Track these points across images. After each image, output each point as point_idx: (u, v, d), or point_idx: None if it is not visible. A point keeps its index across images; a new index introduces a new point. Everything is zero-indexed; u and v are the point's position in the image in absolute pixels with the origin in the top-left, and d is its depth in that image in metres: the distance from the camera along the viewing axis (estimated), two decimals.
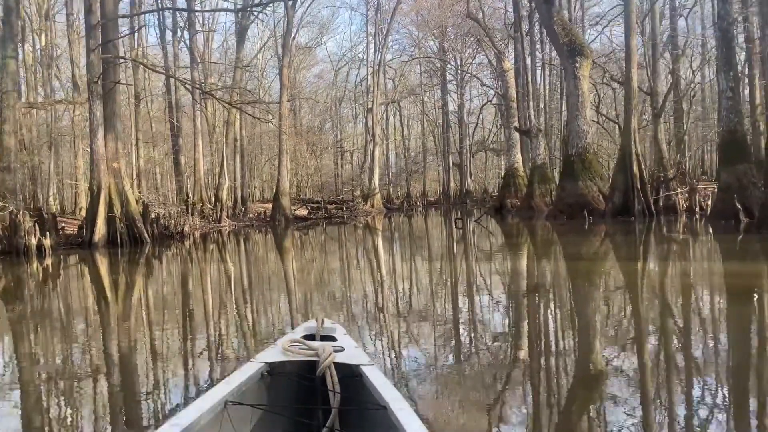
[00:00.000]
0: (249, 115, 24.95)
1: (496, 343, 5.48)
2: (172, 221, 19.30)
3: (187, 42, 32.82)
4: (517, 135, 31.22)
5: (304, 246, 19.22)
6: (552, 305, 7.51)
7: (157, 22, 37.48)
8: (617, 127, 31.31)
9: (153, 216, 18.28)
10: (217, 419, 2.50)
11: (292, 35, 34.18)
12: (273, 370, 2.95)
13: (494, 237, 19.03)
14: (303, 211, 35.84)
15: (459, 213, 31.54)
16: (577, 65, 20.74)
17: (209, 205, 30.78)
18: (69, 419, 3.99)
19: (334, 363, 2.88)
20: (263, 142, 51.02)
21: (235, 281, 11.12)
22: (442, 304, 7.91)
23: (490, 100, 55.15)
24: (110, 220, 16.69)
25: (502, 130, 55.97)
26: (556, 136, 35.92)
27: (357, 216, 36.23)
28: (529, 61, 27.17)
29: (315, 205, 37.31)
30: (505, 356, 5.10)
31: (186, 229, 19.76)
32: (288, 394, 3.03)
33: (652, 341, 5.40)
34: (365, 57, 49.92)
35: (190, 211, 27.94)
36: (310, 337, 3.42)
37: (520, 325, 6.35)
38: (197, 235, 24.21)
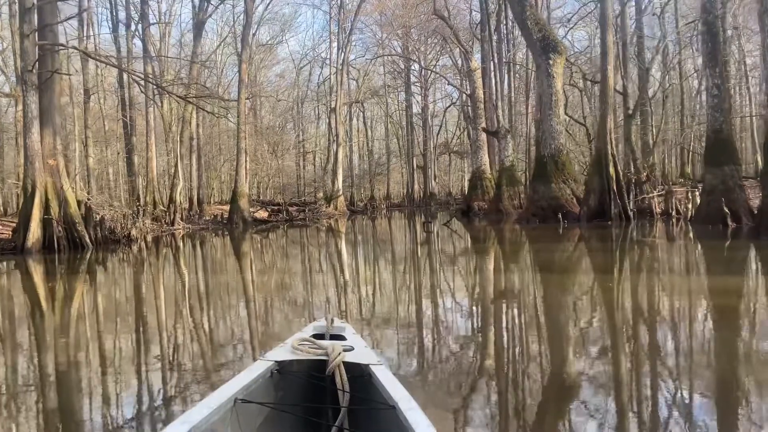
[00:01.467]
0: (204, 111, 23.60)
1: (462, 353, 5.25)
2: (119, 224, 17.77)
3: (140, 34, 31.07)
4: (484, 136, 30.44)
5: (262, 250, 17.97)
6: (523, 321, 6.64)
7: (110, 15, 35.87)
8: (584, 129, 30.86)
9: (96, 219, 16.73)
10: (225, 417, 2.48)
11: (252, 30, 32.80)
12: (282, 368, 2.93)
13: (464, 241, 18.03)
14: (263, 214, 34.51)
15: (426, 216, 30.57)
16: (551, 62, 19.87)
17: (162, 207, 29.15)
18: None
19: (344, 362, 2.87)
20: (222, 141, 49.45)
21: (181, 291, 9.87)
22: (412, 321, 6.89)
23: (454, 103, 54.82)
24: (46, 223, 15.16)
25: (466, 132, 55.83)
26: (521, 138, 35.37)
27: (320, 218, 35.21)
28: (496, 59, 26.36)
29: (276, 207, 36.01)
30: (473, 365, 4.89)
31: (134, 232, 18.23)
32: (297, 392, 3.01)
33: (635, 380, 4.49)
34: (328, 56, 48.95)
35: (141, 213, 26.40)
36: (320, 336, 3.39)
37: (492, 336, 5.96)
38: (149, 238, 22.80)
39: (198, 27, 33.08)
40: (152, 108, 30.77)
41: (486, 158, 30.66)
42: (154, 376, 4.91)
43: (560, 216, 18.95)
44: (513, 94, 34.14)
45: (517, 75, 35.01)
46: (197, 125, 39.28)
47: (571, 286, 8.89)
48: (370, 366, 2.86)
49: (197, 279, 11.54)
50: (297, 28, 77.85)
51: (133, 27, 33.37)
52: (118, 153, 40.19)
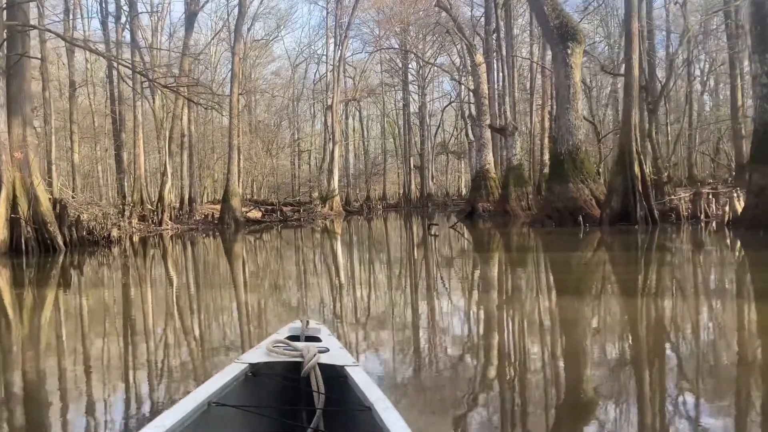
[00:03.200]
0: (192, 101, 22.12)
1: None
2: (98, 224, 16.32)
3: (129, 24, 29.65)
4: (488, 134, 29.06)
5: (253, 254, 16.57)
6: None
7: (99, 6, 34.45)
8: (593, 127, 29.53)
9: (72, 218, 15.27)
10: (200, 421, 2.44)
11: (246, 23, 31.43)
12: (257, 371, 2.89)
13: (476, 249, 15.92)
14: (256, 214, 33.14)
15: (431, 218, 29.08)
16: (569, 51, 18.37)
17: (150, 206, 27.70)
18: None
19: (319, 364, 2.85)
20: (215, 139, 47.97)
21: (152, 304, 8.48)
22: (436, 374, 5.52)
23: (453, 102, 53.63)
24: (14, 223, 13.71)
25: (464, 132, 54.71)
26: (524, 136, 34.10)
27: (315, 219, 33.92)
28: (504, 51, 24.96)
29: (269, 207, 34.63)
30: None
31: (114, 233, 16.76)
32: (272, 395, 2.96)
33: None
34: (325, 53, 47.73)
35: (128, 212, 25.00)
36: (295, 338, 3.33)
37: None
38: (136, 239, 21.45)
39: (190, 19, 31.63)
40: (140, 102, 29.34)
41: (490, 157, 29.23)
42: (116, 398, 4.33)
43: (580, 219, 17.35)
44: (516, 92, 32.78)
45: (519, 72, 33.69)
46: (189, 122, 37.83)
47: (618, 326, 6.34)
48: (346, 367, 2.84)
49: (173, 289, 10.12)
50: (293, 25, 76.23)
51: (123, 19, 31.98)
52: (106, 150, 38.72)
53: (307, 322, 3.56)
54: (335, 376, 2.83)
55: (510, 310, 7.32)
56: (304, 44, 61.13)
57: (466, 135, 53.08)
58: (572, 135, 18.51)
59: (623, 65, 20.57)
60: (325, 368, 2.84)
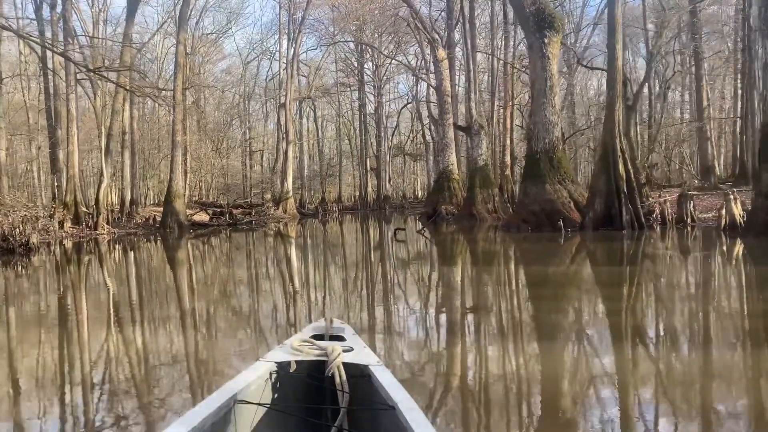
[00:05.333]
0: (134, 92, 20.11)
1: None
2: (16, 230, 14.19)
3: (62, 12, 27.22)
4: (451, 133, 27.70)
5: (195, 262, 14.72)
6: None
7: None
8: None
9: None
10: (225, 418, 2.46)
11: (191, 9, 29.38)
12: (281, 369, 2.89)
13: (448, 261, 13.79)
14: (204, 217, 31.06)
15: (388, 220, 27.44)
16: (546, 41, 16.98)
17: (84, 209, 25.36)
18: None
19: (343, 363, 2.82)
20: (162, 137, 45.43)
21: (49, 328, 6.72)
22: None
23: (410, 102, 52.57)
24: None
25: (421, 133, 53.66)
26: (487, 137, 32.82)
27: (267, 222, 32.07)
28: (470, 45, 23.62)
29: (218, 210, 32.52)
30: None
31: (33, 239, 14.62)
32: (296, 393, 2.96)
33: None
34: (277, 49, 45.90)
35: (59, 215, 22.71)
36: (319, 337, 3.30)
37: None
38: (69, 244, 19.29)
39: (131, 6, 29.31)
40: (74, 95, 26.98)
41: (453, 157, 27.80)
42: None
43: (560, 223, 15.99)
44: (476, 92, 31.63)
45: (479, 71, 32.58)
46: (131, 118, 35.47)
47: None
48: (370, 366, 2.81)
49: (77, 314, 8.33)
50: (244, 21, 73.55)
51: (59, 8, 29.47)
52: (39, 148, 35.93)
53: (332, 320, 3.51)
54: (359, 375, 2.82)
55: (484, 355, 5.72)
56: (256, 41, 58.90)
57: (423, 137, 52.12)
58: (549, 132, 17.11)
59: (602, 57, 19.40)
60: (349, 367, 2.83)
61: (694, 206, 16.61)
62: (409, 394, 2.47)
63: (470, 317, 6.89)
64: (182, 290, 10.05)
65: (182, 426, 2.17)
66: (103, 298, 9.30)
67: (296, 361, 2.91)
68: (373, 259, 14.25)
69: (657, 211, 16.70)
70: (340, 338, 3.30)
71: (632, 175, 15.41)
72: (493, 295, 8.50)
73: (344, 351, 2.90)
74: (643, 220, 15.35)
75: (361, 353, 2.99)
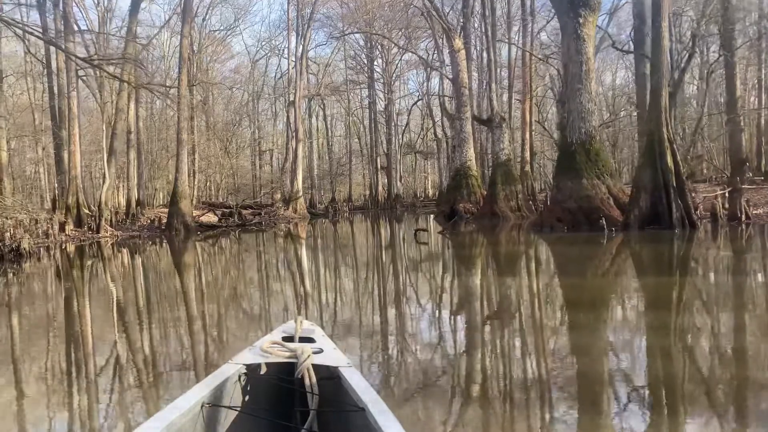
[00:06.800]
0: (135, 86, 19.07)
1: None
2: (6, 234, 13.15)
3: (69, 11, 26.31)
4: (469, 127, 26.38)
5: (208, 267, 13.60)
6: None
7: None
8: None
9: None
10: (193, 422, 2.39)
11: (200, 11, 28.37)
12: (251, 371, 2.84)
13: (490, 266, 12.00)
14: (211, 218, 30.06)
15: (399, 219, 26.08)
16: (581, 21, 15.58)
17: (87, 211, 24.40)
18: None
19: (313, 365, 2.80)
20: (170, 137, 44.54)
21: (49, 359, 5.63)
22: None
23: (420, 99, 51.47)
24: None
25: (432, 131, 52.43)
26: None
27: (277, 222, 31.02)
28: (490, 34, 22.36)
29: (227, 211, 31.51)
30: None
31: (24, 244, 13.56)
32: (266, 396, 2.90)
33: None
34: (286, 46, 44.99)
35: (58, 217, 21.77)
36: (289, 339, 3.24)
37: None
38: (71, 248, 18.32)
39: (135, 1, 28.35)
40: (76, 92, 26.08)
41: (472, 153, 26.41)
42: None
43: (602, 222, 14.56)
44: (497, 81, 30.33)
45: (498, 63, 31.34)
46: (137, 117, 34.53)
47: None
48: (339, 368, 2.78)
49: (63, 335, 7.22)
50: (252, 18, 72.79)
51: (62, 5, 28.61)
52: (43, 148, 35.08)
53: (301, 322, 3.43)
54: (329, 377, 2.78)
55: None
56: (264, 39, 58.01)
57: (435, 134, 50.87)
58: (585, 121, 15.63)
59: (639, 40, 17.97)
60: (319, 369, 2.80)
61: (747, 202, 15.22)
62: (378, 396, 2.43)
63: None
64: (178, 300, 8.95)
65: (149, 430, 2.10)
66: (75, 329, 8.10)
67: (266, 363, 2.88)
68: (399, 268, 12.85)
69: (701, 207, 15.29)
70: (310, 340, 3.23)
71: (681, 169, 13.94)
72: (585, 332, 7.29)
73: (314, 353, 2.89)
74: (695, 217, 13.87)
75: (330, 355, 2.96)
